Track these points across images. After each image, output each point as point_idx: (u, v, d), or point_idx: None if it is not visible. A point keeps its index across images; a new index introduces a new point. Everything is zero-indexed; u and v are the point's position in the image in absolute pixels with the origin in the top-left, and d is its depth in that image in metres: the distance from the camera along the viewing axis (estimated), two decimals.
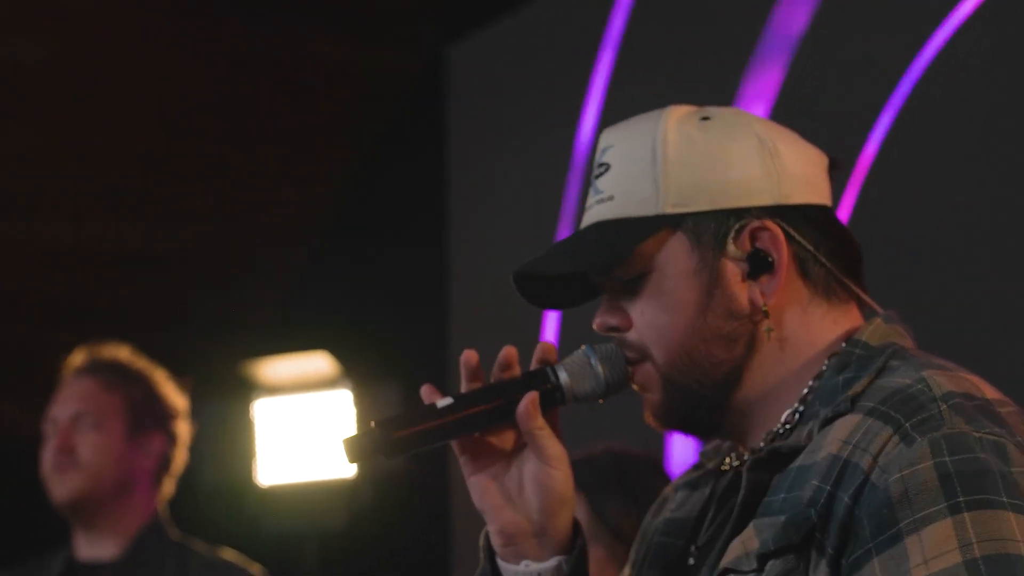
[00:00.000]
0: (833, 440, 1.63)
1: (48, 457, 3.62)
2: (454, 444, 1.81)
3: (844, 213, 3.77)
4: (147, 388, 3.67)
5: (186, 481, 5.65)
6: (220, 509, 5.54)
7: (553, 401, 1.78)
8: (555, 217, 4.87)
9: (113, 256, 6.11)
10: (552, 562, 1.78)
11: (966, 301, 3.62)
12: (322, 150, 6.04)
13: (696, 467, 1.92)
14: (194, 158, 5.92)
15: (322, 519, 5.41)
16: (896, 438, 1.59)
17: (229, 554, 3.73)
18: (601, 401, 1.81)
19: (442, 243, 5.55)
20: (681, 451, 4.38)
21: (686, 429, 1.81)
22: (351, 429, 1.48)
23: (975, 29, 3.65)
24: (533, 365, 1.80)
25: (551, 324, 4.69)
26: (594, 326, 1.80)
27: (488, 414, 1.77)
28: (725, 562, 1.66)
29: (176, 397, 3.71)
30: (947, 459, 1.57)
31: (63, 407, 3.64)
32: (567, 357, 1.79)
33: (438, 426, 1.78)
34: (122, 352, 3.70)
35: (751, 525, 1.66)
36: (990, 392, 1.66)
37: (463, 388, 1.80)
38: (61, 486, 3.59)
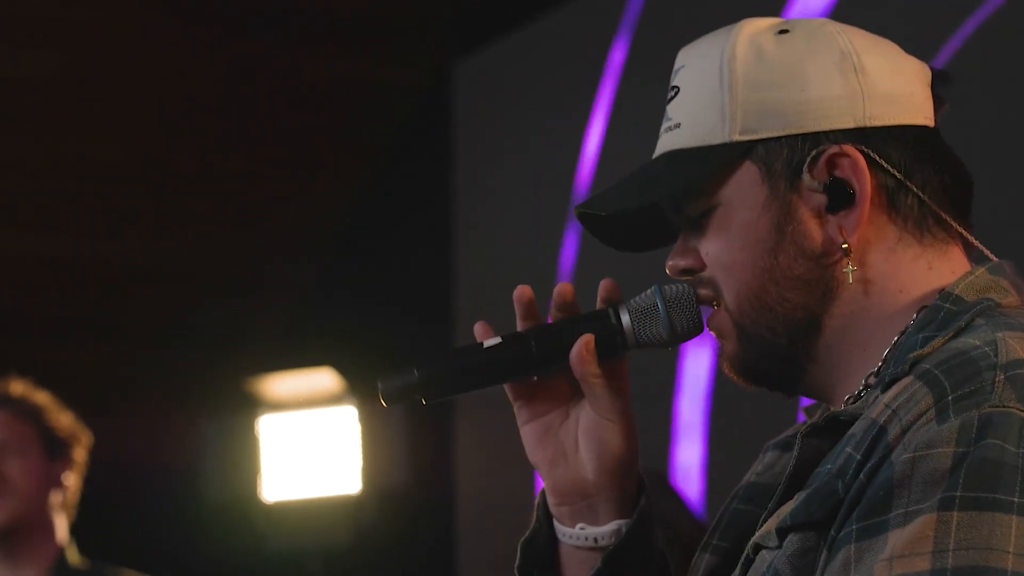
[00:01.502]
0: (880, 403, 1.41)
1: None
2: (507, 389, 1.62)
3: None
4: (49, 417, 3.74)
5: (190, 497, 5.68)
6: (224, 525, 5.53)
7: (614, 346, 1.58)
8: (560, 232, 4.86)
9: (117, 270, 6.10)
10: (611, 526, 1.60)
11: None
12: (329, 165, 6.03)
13: (801, 424, 1.63)
14: (199, 172, 5.92)
15: (327, 536, 5.40)
16: (933, 411, 1.37)
17: (131, 574, 3.75)
18: (669, 349, 1.62)
19: (448, 258, 5.54)
20: (685, 457, 4.37)
21: (764, 384, 1.59)
22: (386, 373, 1.39)
23: (981, 40, 3.65)
24: (598, 305, 1.61)
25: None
26: (667, 268, 1.60)
27: (539, 357, 1.59)
28: (757, 536, 1.47)
29: (74, 425, 3.77)
30: (971, 447, 1.34)
31: None
32: (634, 298, 1.60)
33: (484, 367, 1.59)
34: (20, 386, 3.76)
35: (795, 496, 1.45)
36: None
37: (519, 327, 1.62)
38: None
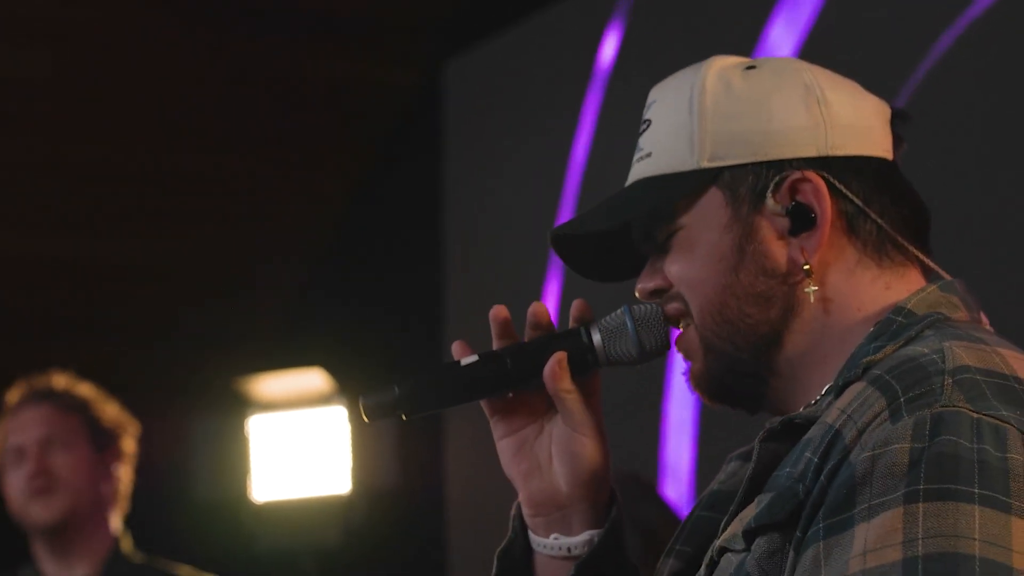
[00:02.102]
0: (834, 409, 1.50)
1: (21, 484, 3.63)
2: (483, 405, 1.71)
3: None
4: (96, 410, 3.71)
5: (180, 497, 5.66)
6: (214, 526, 5.52)
7: (586, 363, 1.67)
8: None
9: (107, 269, 6.10)
10: (583, 536, 1.68)
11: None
12: (319, 165, 6.03)
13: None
14: (190, 172, 5.92)
15: (317, 536, 5.40)
16: (887, 413, 1.44)
17: (185, 570, 3.74)
18: (637, 367, 1.70)
19: (438, 259, 5.54)
20: (675, 460, 4.37)
21: (729, 400, 1.67)
22: (368, 389, 1.46)
23: (980, 31, 3.65)
24: (571, 324, 1.69)
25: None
26: (636, 292, 1.69)
27: (514, 374, 1.67)
28: (721, 539, 1.55)
29: (121, 416, 3.75)
30: (926, 442, 1.41)
31: (27, 434, 3.66)
32: (604, 318, 1.68)
33: (461, 384, 1.68)
34: (64, 379, 3.74)
35: (755, 500, 1.53)
36: None
37: (494, 346, 1.70)
38: (45, 510, 3.60)
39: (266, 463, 5.45)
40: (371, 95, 5.84)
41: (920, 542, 1.38)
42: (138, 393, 5.85)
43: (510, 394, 1.69)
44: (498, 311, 1.70)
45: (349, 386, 5.41)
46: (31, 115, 5.60)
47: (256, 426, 5.45)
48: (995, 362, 1.49)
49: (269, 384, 5.45)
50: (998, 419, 1.43)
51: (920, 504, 1.39)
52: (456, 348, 1.70)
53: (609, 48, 4.77)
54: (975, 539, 1.38)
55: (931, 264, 1.65)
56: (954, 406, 1.43)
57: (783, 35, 4.13)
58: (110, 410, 3.74)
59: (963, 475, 1.40)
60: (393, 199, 5.96)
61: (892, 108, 1.68)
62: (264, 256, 6.25)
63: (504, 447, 1.70)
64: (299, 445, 5.41)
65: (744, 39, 4.22)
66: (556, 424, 1.68)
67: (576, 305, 1.70)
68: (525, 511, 1.70)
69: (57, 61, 5.46)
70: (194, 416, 5.65)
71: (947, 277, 1.65)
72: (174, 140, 5.80)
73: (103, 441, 3.69)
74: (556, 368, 1.65)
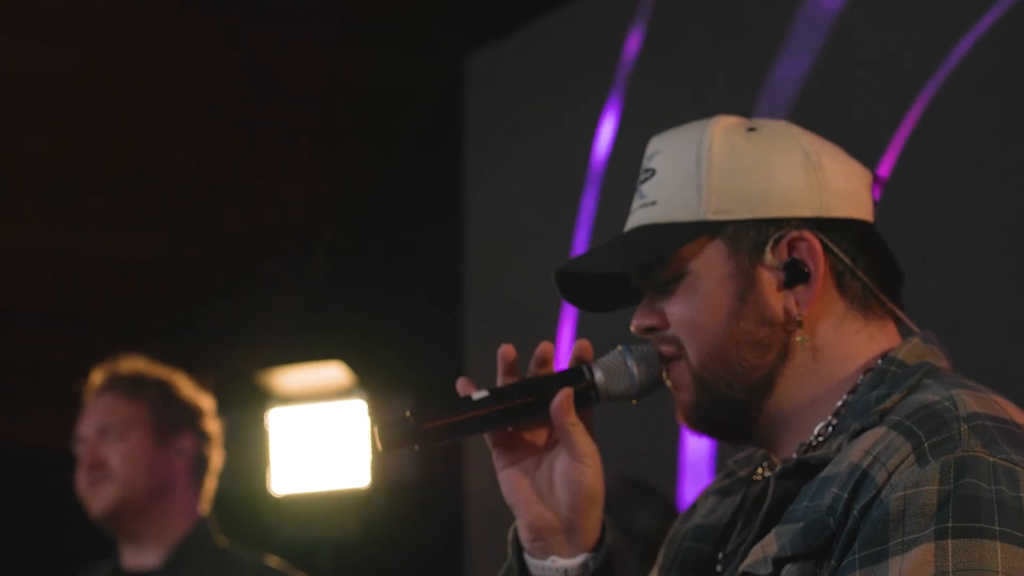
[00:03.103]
0: (858, 450, 1.65)
1: (81, 476, 3.65)
2: (487, 437, 1.84)
3: None
4: (168, 392, 3.71)
5: None
6: (234, 518, 5.53)
7: (587, 399, 1.81)
8: (571, 228, 4.87)
9: (128, 265, 6.12)
10: (579, 559, 1.81)
11: (988, 312, 3.60)
12: (340, 160, 6.04)
13: (727, 474, 1.93)
14: (211, 167, 5.93)
15: (336, 529, 5.41)
16: (913, 457, 1.61)
17: (274, 561, 3.74)
18: (635, 402, 1.84)
19: (459, 253, 5.55)
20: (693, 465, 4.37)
21: (716, 433, 1.84)
22: (384, 419, 1.56)
23: (999, 35, 3.64)
24: (570, 363, 1.83)
25: (567, 334, 4.69)
26: (631, 327, 1.83)
27: (522, 408, 1.80)
28: (744, 566, 1.68)
29: (199, 396, 3.75)
30: (951, 484, 1.58)
31: (88, 425, 3.68)
32: (603, 357, 1.82)
33: (472, 418, 1.80)
34: (138, 363, 3.73)
35: (773, 531, 1.67)
36: (1019, 415, 1.68)
37: (499, 382, 1.82)
38: (96, 500, 3.62)
39: (286, 456, 5.46)
40: (393, 91, 5.85)
41: (951, 574, 1.54)
42: None
43: (509, 428, 1.82)
44: (507, 351, 1.82)
45: (369, 379, 5.42)
46: (54, 110, 5.62)
47: (276, 419, 5.46)
48: (997, 408, 1.66)
49: (289, 377, 5.46)
50: (1011, 463, 1.60)
51: (949, 540, 1.56)
52: (461, 384, 1.82)
53: (632, 45, 4.77)
54: (999, 571, 1.55)
55: (904, 318, 1.81)
56: (973, 452, 1.60)
57: (806, 33, 4.13)
58: (185, 391, 3.73)
59: (984, 514, 1.56)
60: (414, 195, 5.97)
61: (872, 174, 1.83)
62: (285, 251, 6.26)
63: (505, 477, 1.84)
64: (319, 438, 5.42)
65: (767, 37, 4.22)
66: (556, 454, 1.82)
67: (578, 345, 1.84)
68: (523, 536, 1.83)
69: (79, 57, 5.48)
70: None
71: (917, 330, 1.81)
72: (196, 136, 5.81)
73: (173, 424, 3.68)
74: (564, 404, 1.79)
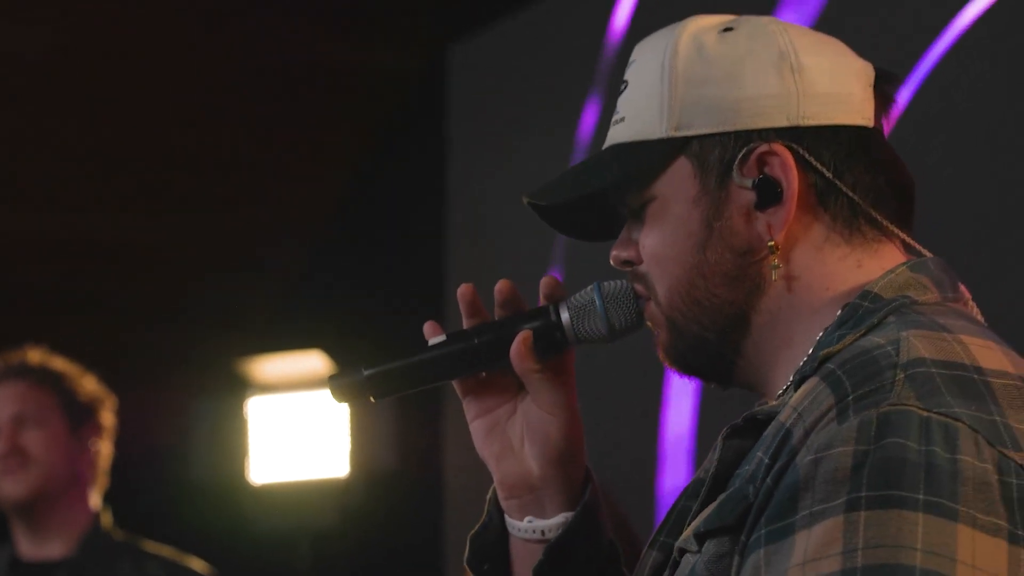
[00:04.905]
0: (789, 406, 1.42)
1: None
2: (456, 385, 1.67)
3: None
4: (71, 384, 3.68)
5: (178, 478, 5.66)
6: (212, 507, 5.52)
7: (555, 341, 1.63)
8: None
9: (108, 249, 6.09)
10: (557, 519, 1.64)
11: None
12: (321, 148, 6.02)
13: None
14: (191, 153, 5.91)
15: (314, 518, 5.40)
16: (834, 412, 1.37)
17: (172, 552, 3.72)
18: (609, 344, 1.66)
19: (440, 243, 5.53)
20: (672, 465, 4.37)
21: (697, 375, 1.61)
22: (340, 369, 1.45)
23: (981, 32, 3.64)
24: (540, 302, 1.66)
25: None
26: (610, 259, 1.63)
27: (482, 353, 1.64)
28: (680, 540, 1.49)
29: (97, 389, 3.72)
30: (871, 445, 1.33)
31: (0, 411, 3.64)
32: (574, 295, 1.64)
33: (429, 364, 1.65)
34: (37, 354, 3.71)
35: (718, 499, 1.46)
36: (993, 360, 1.41)
37: (464, 324, 1.67)
38: (15, 486, 3.59)
39: (264, 445, 5.44)
40: (375, 78, 5.83)
41: (860, 553, 1.30)
42: (137, 373, 5.87)
43: (483, 374, 1.66)
44: (465, 290, 1.67)
45: (349, 369, 5.40)
46: (29, 92, 5.59)
47: (255, 408, 5.45)
48: (955, 351, 1.40)
49: (268, 366, 5.45)
50: (949, 417, 1.34)
51: (862, 512, 1.32)
52: (428, 328, 1.67)
53: (615, 33, 4.76)
54: (917, 549, 1.30)
55: (909, 240, 1.58)
56: (903, 404, 1.35)
57: (794, 17, 4.12)
58: (87, 384, 3.70)
59: (908, 480, 1.32)
60: (396, 182, 5.95)
61: (877, 70, 1.61)
62: (265, 238, 6.24)
63: (476, 428, 1.67)
64: (298, 427, 5.41)
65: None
66: (529, 405, 1.64)
67: (545, 282, 1.66)
68: (500, 494, 1.67)
69: (57, 40, 5.45)
70: (193, 397, 5.65)
71: (927, 254, 1.57)
72: (175, 120, 5.79)
73: (79, 416, 3.66)
74: (521, 347, 1.61)
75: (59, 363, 3.70)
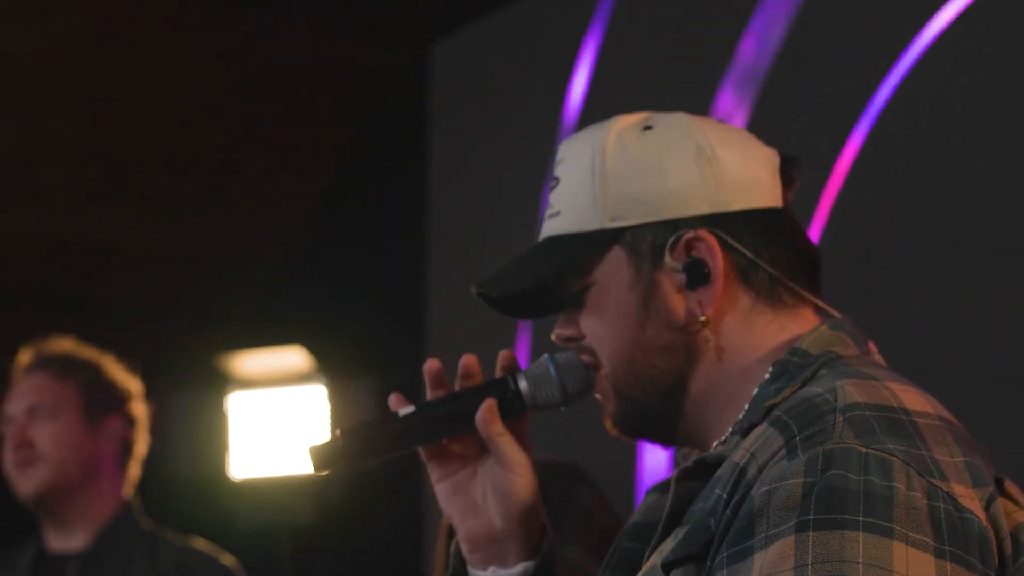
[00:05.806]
0: (741, 449, 1.63)
1: (8, 455, 3.62)
2: (420, 451, 1.85)
3: (819, 222, 3.77)
4: (97, 374, 3.67)
5: (158, 473, 5.65)
6: (192, 502, 5.52)
7: (514, 408, 1.82)
8: (535, 217, 4.87)
9: (90, 248, 6.09)
10: (518, 568, 1.82)
11: (947, 308, 3.62)
12: (303, 146, 6.03)
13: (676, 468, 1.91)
14: (174, 152, 5.91)
15: (294, 513, 5.41)
16: (784, 451, 1.58)
17: (201, 543, 3.73)
18: (562, 409, 1.84)
19: (421, 241, 5.54)
20: (653, 461, 4.38)
21: (644, 437, 1.84)
22: (318, 437, 1.58)
23: (956, 33, 3.66)
24: (497, 373, 1.84)
25: (526, 323, 4.69)
26: (552, 337, 1.82)
27: (448, 421, 1.81)
28: (641, 572, 1.68)
29: (128, 380, 3.72)
30: (817, 477, 1.54)
31: (16, 404, 3.64)
32: (529, 366, 1.83)
33: (400, 433, 1.81)
34: (67, 344, 3.70)
35: (672, 534, 1.66)
36: (915, 403, 1.63)
37: (428, 396, 1.83)
38: (25, 481, 3.59)
39: (244, 440, 5.45)
40: (357, 77, 5.84)
41: (810, 567, 1.50)
42: None
43: (444, 440, 1.83)
44: (431, 364, 1.84)
45: (329, 365, 5.41)
46: (12, 91, 5.59)
47: (235, 403, 5.46)
48: (884, 396, 1.61)
49: (249, 361, 5.46)
50: (885, 452, 1.54)
51: (810, 533, 1.51)
52: (393, 400, 1.83)
53: (597, 31, 4.78)
54: (859, 563, 1.49)
55: (820, 303, 1.77)
56: (844, 443, 1.55)
57: (769, 18, 4.14)
58: (115, 373, 3.69)
59: (850, 505, 1.52)
60: (378, 181, 5.96)
61: (781, 155, 1.80)
62: (247, 235, 6.24)
63: (441, 490, 1.84)
64: (278, 423, 5.42)
65: (731, 24, 4.22)
66: (488, 465, 1.82)
67: (503, 356, 1.84)
68: (464, 548, 1.84)
69: (44, 40, 5.45)
70: (173, 392, 5.65)
71: (836, 315, 1.77)
72: (157, 119, 5.79)
73: (102, 407, 3.65)
74: (487, 415, 1.79)
75: (87, 353, 3.69)
